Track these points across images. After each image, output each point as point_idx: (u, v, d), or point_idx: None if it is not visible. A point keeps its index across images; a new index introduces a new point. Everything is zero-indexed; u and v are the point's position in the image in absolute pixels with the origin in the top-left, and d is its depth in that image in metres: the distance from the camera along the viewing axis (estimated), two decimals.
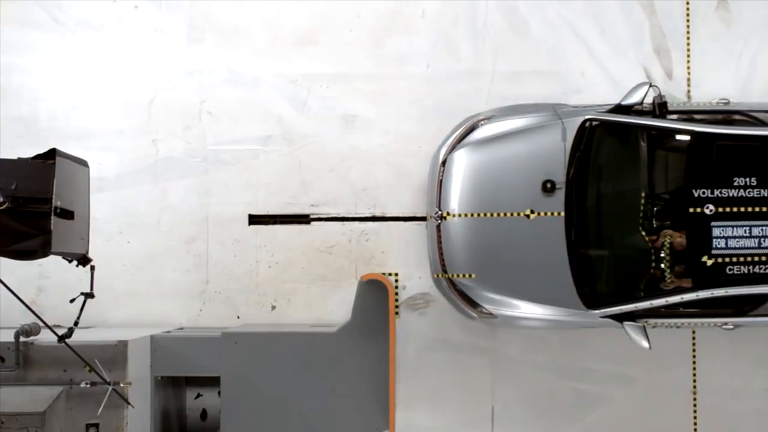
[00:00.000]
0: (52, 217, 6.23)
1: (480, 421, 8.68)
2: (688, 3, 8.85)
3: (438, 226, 7.68)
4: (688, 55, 8.84)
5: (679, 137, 7.51)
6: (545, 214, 7.46)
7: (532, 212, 7.46)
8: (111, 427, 6.85)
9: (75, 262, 6.75)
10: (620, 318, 7.53)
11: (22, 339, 6.88)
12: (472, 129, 7.83)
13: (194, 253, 8.73)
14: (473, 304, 7.67)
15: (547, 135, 7.57)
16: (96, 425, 6.83)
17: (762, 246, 7.29)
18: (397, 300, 8.47)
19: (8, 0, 8.71)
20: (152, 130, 8.78)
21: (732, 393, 8.68)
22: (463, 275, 7.63)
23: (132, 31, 8.82)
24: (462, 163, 7.70)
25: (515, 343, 8.69)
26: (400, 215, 8.69)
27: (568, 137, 7.51)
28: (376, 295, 7.40)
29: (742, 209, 7.29)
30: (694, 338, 8.70)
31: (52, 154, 6.39)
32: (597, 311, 7.49)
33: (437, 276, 7.86)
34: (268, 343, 7.53)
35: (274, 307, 8.73)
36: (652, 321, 7.60)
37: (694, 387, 8.69)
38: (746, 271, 7.30)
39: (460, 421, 8.68)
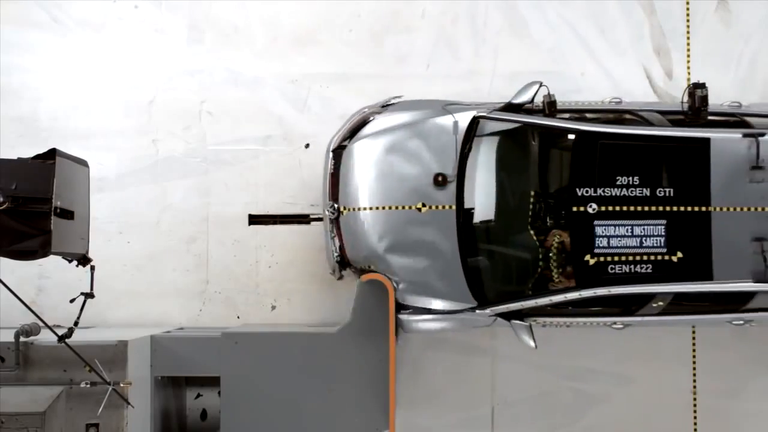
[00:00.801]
0: (52, 217, 6.23)
1: (480, 421, 8.68)
2: (688, 3, 8.85)
3: (336, 221, 7.63)
4: (688, 55, 8.84)
5: (567, 136, 7.48)
6: (437, 207, 7.44)
7: (424, 205, 7.44)
8: (111, 427, 6.84)
9: (75, 262, 6.75)
10: (509, 316, 7.51)
11: (22, 339, 6.88)
12: (363, 123, 7.77)
13: (194, 253, 8.73)
14: None
15: (438, 129, 7.53)
16: (96, 425, 6.82)
17: (643, 245, 7.27)
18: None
19: (8, 0, 8.71)
20: (152, 130, 8.79)
21: (732, 393, 8.68)
22: (368, 266, 7.59)
23: (132, 31, 8.82)
24: (356, 157, 7.64)
25: (515, 343, 8.67)
26: None
27: (459, 131, 7.48)
28: (376, 295, 7.39)
29: (625, 208, 7.27)
30: (694, 338, 8.71)
31: (52, 154, 6.38)
32: (488, 309, 7.46)
33: (333, 272, 7.85)
34: (268, 343, 7.52)
35: (274, 307, 8.73)
36: (541, 320, 7.58)
37: (694, 387, 8.69)
38: (628, 271, 7.27)
39: (460, 421, 8.68)
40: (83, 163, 6.75)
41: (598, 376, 8.68)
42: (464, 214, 7.49)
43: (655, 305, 7.41)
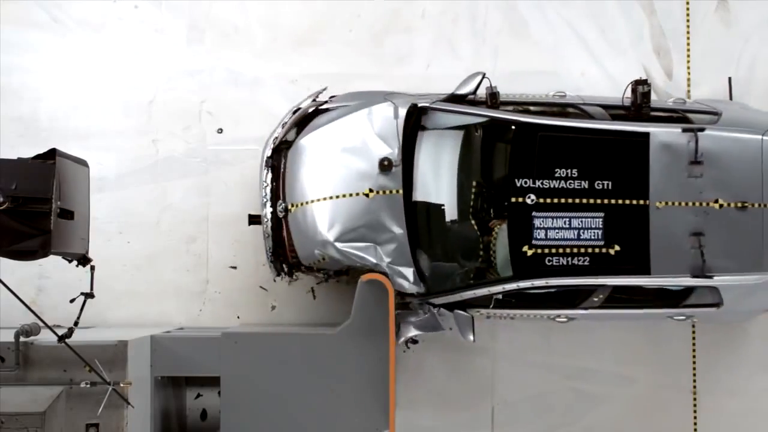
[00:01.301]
0: (52, 217, 6.23)
1: (480, 421, 8.68)
2: (688, 3, 8.85)
3: (285, 219, 7.62)
4: (688, 55, 8.84)
5: (509, 128, 7.48)
6: (384, 192, 7.46)
7: (371, 191, 7.45)
8: (111, 427, 6.84)
9: (75, 262, 6.75)
10: (452, 307, 7.50)
11: (22, 339, 6.88)
12: (304, 119, 7.81)
13: (194, 253, 8.73)
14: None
15: (380, 117, 7.54)
16: (96, 425, 6.81)
17: (581, 238, 7.28)
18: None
19: (8, 0, 8.71)
20: (152, 130, 8.79)
21: (732, 393, 8.69)
22: (319, 260, 7.59)
23: (132, 31, 8.82)
24: (302, 152, 7.65)
25: (515, 343, 8.70)
26: None
27: (399, 117, 7.48)
28: (376, 296, 7.39)
29: (563, 200, 7.29)
30: (694, 338, 8.71)
31: (52, 154, 6.38)
32: (433, 299, 7.49)
33: (283, 275, 7.86)
34: (268, 343, 7.52)
35: (274, 307, 8.73)
36: (485, 311, 7.59)
37: (694, 387, 8.69)
38: (565, 263, 7.28)
39: (460, 421, 8.68)
40: (83, 163, 6.75)
41: (598, 376, 8.68)
42: (411, 202, 7.50)
43: (596, 299, 7.41)
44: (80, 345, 6.61)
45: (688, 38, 8.85)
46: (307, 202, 7.55)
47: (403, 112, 7.50)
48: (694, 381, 8.69)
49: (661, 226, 7.27)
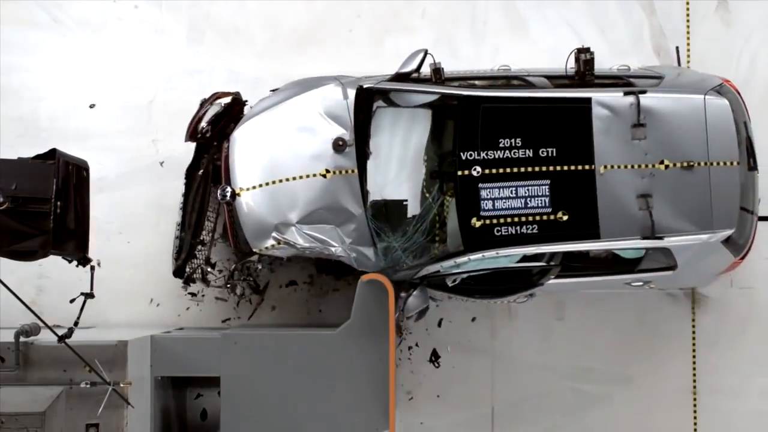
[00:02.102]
0: (52, 217, 6.23)
1: (480, 421, 8.68)
2: (688, 3, 8.86)
3: (229, 206, 7.60)
4: (688, 55, 8.85)
5: (455, 103, 7.48)
6: (341, 172, 7.48)
7: (328, 171, 7.47)
8: (111, 427, 6.84)
9: (75, 262, 6.75)
10: (412, 285, 7.51)
11: (22, 339, 6.88)
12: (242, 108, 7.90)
13: None
14: None
15: (330, 99, 7.59)
16: (96, 425, 6.82)
17: (528, 206, 7.27)
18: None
19: (8, 0, 8.72)
20: (152, 130, 8.79)
21: (732, 393, 8.69)
22: (270, 247, 7.57)
23: (132, 31, 8.82)
24: (247, 137, 7.66)
25: (515, 343, 8.70)
26: None
27: (349, 98, 7.54)
28: (376, 295, 7.39)
29: (509, 170, 7.29)
30: (694, 338, 8.71)
31: (52, 154, 6.39)
32: (395, 276, 7.47)
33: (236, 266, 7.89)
34: (268, 343, 7.52)
35: (274, 307, 8.73)
36: (440, 295, 7.67)
37: (694, 387, 8.69)
38: (514, 232, 7.26)
39: (460, 422, 8.68)
40: (83, 163, 6.76)
41: (598, 376, 8.68)
42: (365, 175, 7.54)
43: (549, 270, 7.39)
44: (80, 345, 6.61)
45: (688, 38, 8.86)
46: (264, 184, 7.53)
47: (352, 92, 7.55)
48: (694, 381, 8.69)
49: (608, 190, 7.25)
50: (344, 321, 7.46)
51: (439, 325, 8.68)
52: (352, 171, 7.49)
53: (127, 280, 8.67)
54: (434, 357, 8.65)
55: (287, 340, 7.56)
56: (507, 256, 7.32)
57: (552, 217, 7.24)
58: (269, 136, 7.66)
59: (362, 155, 7.54)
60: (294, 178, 7.51)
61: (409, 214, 7.67)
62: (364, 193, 7.50)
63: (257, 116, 7.72)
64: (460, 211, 7.31)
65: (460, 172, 7.30)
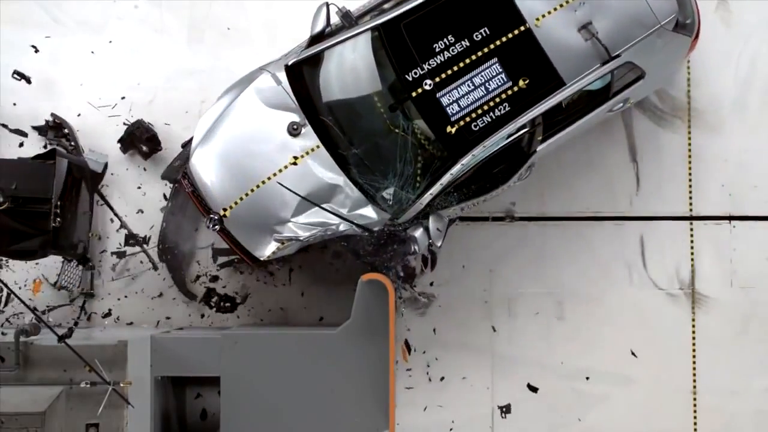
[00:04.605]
0: (52, 217, 6.25)
1: (480, 421, 8.68)
2: None
3: (222, 229, 7.56)
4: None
5: (377, 34, 7.49)
6: (308, 153, 7.49)
7: (296, 158, 7.48)
8: (111, 427, 6.84)
9: (75, 262, 6.77)
10: (421, 218, 7.55)
11: (22, 339, 6.89)
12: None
13: None
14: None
15: (264, 89, 7.58)
16: (96, 425, 6.82)
17: (490, 90, 7.38)
18: (400, 297, 8.49)
19: (8, 0, 8.71)
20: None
21: (732, 393, 8.69)
22: (278, 249, 7.53)
23: (132, 31, 8.82)
24: (205, 159, 7.61)
25: (515, 343, 8.70)
26: None
27: (282, 81, 7.55)
28: (376, 295, 7.39)
29: (455, 68, 7.37)
30: (694, 338, 8.71)
31: (52, 154, 6.41)
32: (403, 219, 7.51)
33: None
34: (268, 343, 7.52)
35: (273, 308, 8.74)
36: (449, 211, 7.67)
37: (694, 387, 8.69)
38: (489, 120, 7.36)
39: (460, 421, 8.68)
40: (82, 164, 6.77)
41: (598, 376, 8.68)
42: (333, 145, 7.52)
43: (534, 133, 7.51)
44: (80, 345, 6.61)
45: None
46: (245, 195, 7.50)
47: (282, 75, 7.56)
48: (694, 381, 8.69)
49: (551, 38, 7.39)
50: (344, 321, 7.46)
51: (434, 332, 8.70)
52: (318, 147, 7.49)
53: (127, 280, 8.65)
54: (434, 357, 8.66)
55: (287, 340, 7.56)
56: (494, 144, 7.42)
57: (515, 88, 7.36)
58: (226, 150, 7.59)
59: (320, 127, 7.53)
60: (268, 178, 7.48)
61: (390, 154, 7.63)
62: (339, 160, 7.48)
63: (206, 136, 7.64)
64: (432, 126, 7.39)
65: (414, 93, 7.36)
